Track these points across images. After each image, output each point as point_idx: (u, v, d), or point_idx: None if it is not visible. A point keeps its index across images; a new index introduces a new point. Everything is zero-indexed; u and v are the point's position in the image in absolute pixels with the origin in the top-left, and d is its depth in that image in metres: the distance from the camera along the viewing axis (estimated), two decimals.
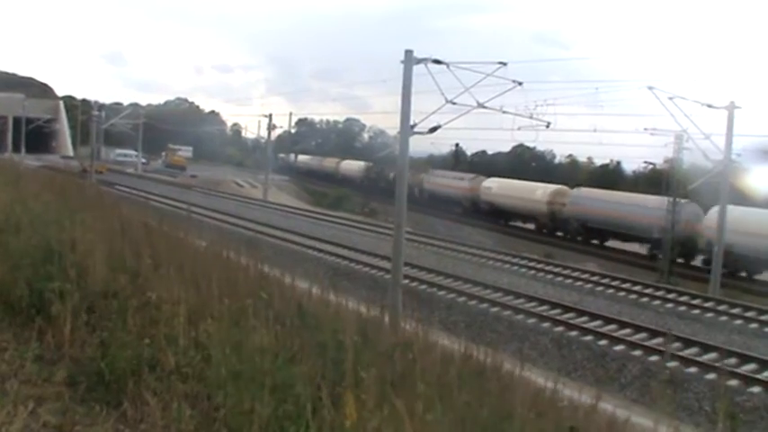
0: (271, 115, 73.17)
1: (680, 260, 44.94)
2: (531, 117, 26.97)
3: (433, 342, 7.60)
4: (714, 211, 39.42)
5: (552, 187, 59.10)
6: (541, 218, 58.65)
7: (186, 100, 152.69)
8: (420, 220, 56.89)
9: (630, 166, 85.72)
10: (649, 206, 47.18)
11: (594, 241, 53.75)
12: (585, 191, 57.26)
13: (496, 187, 65.11)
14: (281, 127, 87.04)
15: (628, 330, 22.17)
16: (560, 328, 22.37)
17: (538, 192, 59.50)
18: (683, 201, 44.77)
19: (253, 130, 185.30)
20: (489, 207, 64.86)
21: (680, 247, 44.96)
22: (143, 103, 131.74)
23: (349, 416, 4.86)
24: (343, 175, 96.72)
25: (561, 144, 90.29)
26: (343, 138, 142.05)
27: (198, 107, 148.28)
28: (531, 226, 60.22)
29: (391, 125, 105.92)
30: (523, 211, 61.46)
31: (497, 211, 63.73)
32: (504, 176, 66.88)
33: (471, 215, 64.74)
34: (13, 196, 12.90)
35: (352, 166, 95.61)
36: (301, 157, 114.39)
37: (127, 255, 9.00)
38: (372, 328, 7.72)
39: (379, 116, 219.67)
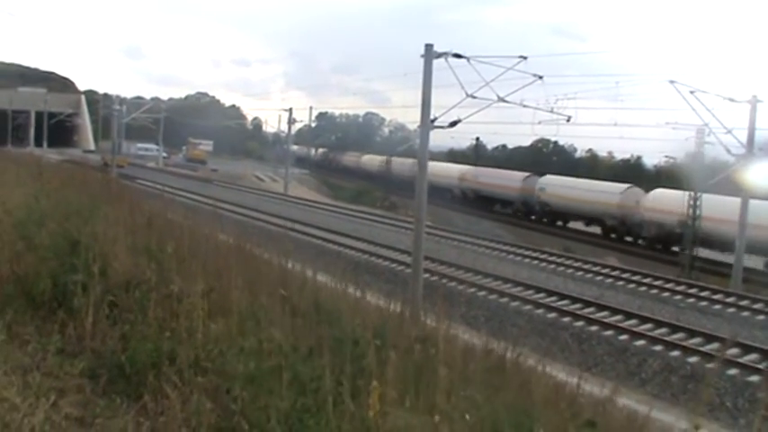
0: (291, 109, 73.16)
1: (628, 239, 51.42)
2: (551, 111, 26.90)
3: (453, 336, 7.60)
4: (651, 194, 50.04)
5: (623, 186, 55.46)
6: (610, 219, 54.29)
7: (206, 94, 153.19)
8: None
9: (651, 160, 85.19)
10: (603, 192, 53.55)
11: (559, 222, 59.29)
12: (549, 178, 61.37)
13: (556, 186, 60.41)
14: (302, 121, 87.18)
15: (649, 325, 22.03)
16: (581, 323, 22.28)
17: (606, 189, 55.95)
18: (626, 186, 53.05)
19: (273, 124, 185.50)
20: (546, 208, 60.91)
21: (624, 227, 51.55)
22: (164, 97, 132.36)
23: (372, 407, 4.86)
24: (363, 169, 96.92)
25: (582, 138, 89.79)
26: (363, 132, 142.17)
27: (218, 101, 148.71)
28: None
29: (411, 119, 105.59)
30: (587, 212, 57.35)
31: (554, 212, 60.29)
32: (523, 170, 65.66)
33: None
34: (37, 190, 12.94)
35: (374, 160, 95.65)
36: (321, 151, 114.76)
37: (149, 248, 9.03)
38: (393, 321, 7.72)
39: (399, 110, 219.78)
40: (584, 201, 55.56)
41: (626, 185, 55.16)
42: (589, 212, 56.19)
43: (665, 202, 47.71)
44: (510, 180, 65.07)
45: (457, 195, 69.23)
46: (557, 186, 59.42)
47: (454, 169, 72.79)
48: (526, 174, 64.49)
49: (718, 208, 40.84)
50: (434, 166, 75.83)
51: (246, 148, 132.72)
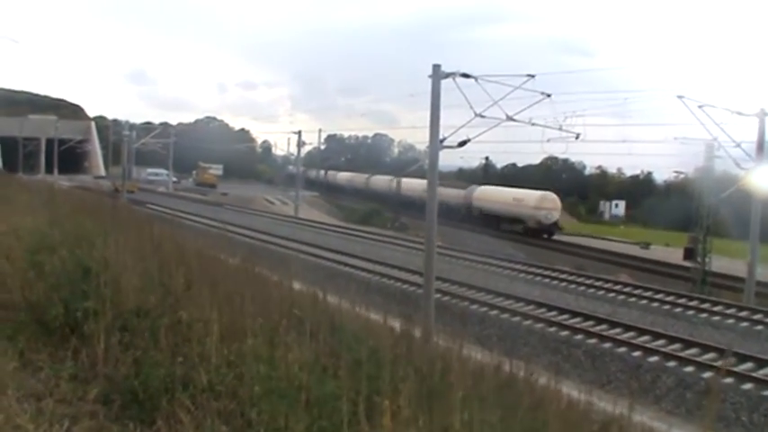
0: (300, 132, 73.35)
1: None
2: (560, 129, 26.82)
3: (466, 356, 7.58)
4: (478, 189, 73.58)
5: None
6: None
7: (215, 118, 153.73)
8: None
9: (661, 175, 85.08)
10: (523, 197, 66.22)
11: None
12: (483, 188, 74.28)
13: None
14: (311, 143, 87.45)
15: (662, 341, 21.90)
16: (594, 341, 22.15)
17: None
18: (541, 192, 65.40)
19: (282, 146, 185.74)
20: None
21: (465, 211, 69.11)
22: (172, 122, 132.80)
23: (386, 426, 4.85)
24: (373, 190, 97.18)
25: (591, 155, 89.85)
26: (373, 153, 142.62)
27: (227, 125, 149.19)
28: None
29: (420, 139, 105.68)
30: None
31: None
32: (536, 188, 68.56)
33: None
34: (49, 217, 13.01)
35: (381, 181, 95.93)
36: (331, 173, 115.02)
37: (160, 274, 9.05)
38: (406, 342, 7.71)
39: (408, 131, 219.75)
40: (508, 204, 67.46)
41: (542, 192, 66.28)
42: (513, 215, 66.80)
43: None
44: (458, 191, 75.38)
45: (419, 205, 74.75)
46: (487, 194, 72.48)
47: (422, 183, 76.00)
48: (469, 185, 77.25)
49: None
50: (409, 182, 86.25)
51: (256, 172, 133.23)
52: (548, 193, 66.71)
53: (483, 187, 75.33)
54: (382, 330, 8.18)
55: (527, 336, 22.63)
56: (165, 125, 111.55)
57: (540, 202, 64.91)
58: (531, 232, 64.49)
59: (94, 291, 7.81)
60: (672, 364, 20.02)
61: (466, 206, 72.27)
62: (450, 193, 71.51)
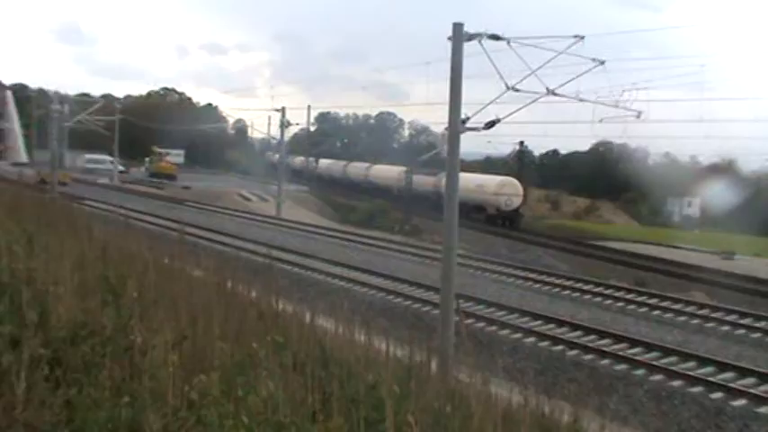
0: (283, 109, 72.98)
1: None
2: (616, 106, 26.77)
3: (493, 394, 7.59)
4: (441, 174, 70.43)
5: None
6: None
7: (174, 90, 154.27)
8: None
9: (749, 164, 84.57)
10: (483, 184, 77.81)
11: None
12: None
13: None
14: (297, 124, 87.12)
15: (750, 380, 21.79)
16: (659, 377, 22.10)
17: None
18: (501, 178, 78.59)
19: (261, 128, 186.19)
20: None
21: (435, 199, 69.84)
22: (119, 94, 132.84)
23: None
24: (373, 183, 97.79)
25: (657, 139, 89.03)
26: (377, 136, 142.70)
27: (189, 99, 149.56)
28: None
29: (437, 120, 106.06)
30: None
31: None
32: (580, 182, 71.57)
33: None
34: None
35: (390, 172, 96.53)
36: (324, 163, 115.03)
37: (103, 289, 9.05)
38: (417, 377, 7.73)
39: (421, 108, 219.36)
40: (471, 191, 72.16)
41: (503, 177, 79.83)
42: (477, 202, 75.96)
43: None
44: (427, 178, 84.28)
45: (396, 195, 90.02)
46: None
47: (395, 171, 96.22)
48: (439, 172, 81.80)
49: None
50: (378, 169, 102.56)
51: (228, 160, 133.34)
52: (508, 178, 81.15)
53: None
54: (386, 362, 8.20)
55: (572, 369, 22.68)
56: (107, 98, 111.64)
57: (499, 188, 78.07)
58: (492, 220, 75.24)
59: (13, 312, 7.79)
60: (765, 409, 19.97)
61: (435, 193, 77.49)
62: (420, 180, 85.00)
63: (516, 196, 78.93)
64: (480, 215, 76.12)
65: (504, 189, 78.32)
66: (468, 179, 75.38)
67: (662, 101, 40.12)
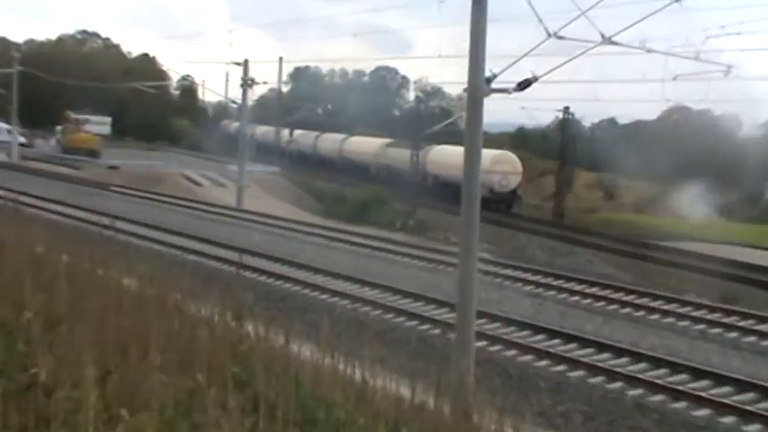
0: (246, 62, 72.71)
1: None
2: (696, 58, 26.68)
3: None
4: (433, 149, 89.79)
5: None
6: None
7: (96, 35, 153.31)
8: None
9: None
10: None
11: None
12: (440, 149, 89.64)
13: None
14: (266, 82, 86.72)
15: None
16: (756, 427, 22.11)
17: None
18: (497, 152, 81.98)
19: (216, 87, 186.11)
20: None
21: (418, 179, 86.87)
22: (17, 39, 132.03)
23: None
24: (349, 159, 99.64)
25: (753, 103, 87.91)
26: (372, 100, 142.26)
27: (116, 47, 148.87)
28: None
29: (452, 78, 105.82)
30: None
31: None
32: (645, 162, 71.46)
33: None
34: None
35: (368, 146, 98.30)
36: (301, 135, 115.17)
37: None
38: (423, 421, 7.74)
39: (431, 63, 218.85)
40: (459, 168, 71.42)
41: (497, 151, 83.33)
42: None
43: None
44: (405, 153, 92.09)
45: (374, 174, 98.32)
46: (444, 156, 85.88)
47: (373, 144, 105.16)
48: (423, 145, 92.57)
49: None
50: (354, 143, 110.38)
51: (170, 130, 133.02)
52: (504, 152, 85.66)
53: (439, 147, 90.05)
54: (384, 401, 8.22)
55: (635, 415, 22.65)
56: (2, 43, 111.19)
57: (492, 165, 78.58)
58: (485, 204, 70.74)
59: None
60: None
61: (418, 173, 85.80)
62: (399, 156, 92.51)
63: (513, 174, 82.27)
64: None
65: (499, 166, 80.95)
66: (456, 154, 79.63)
67: (760, 50, 39.95)
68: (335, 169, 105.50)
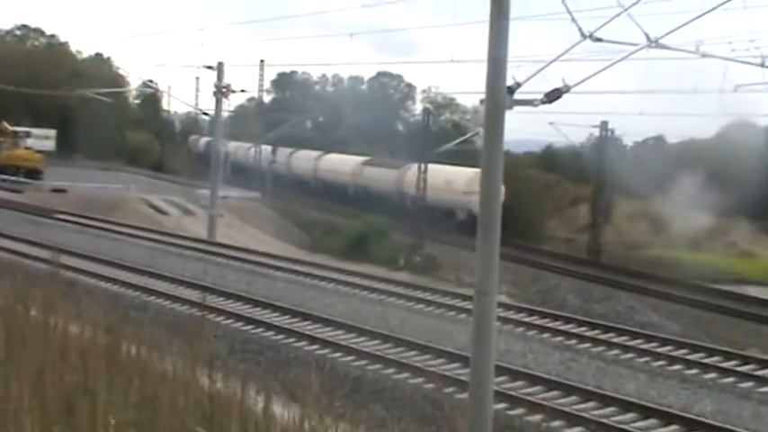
0: (221, 65, 72.74)
1: None
2: (762, 65, 26.73)
3: None
4: (407, 170, 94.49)
5: None
6: None
7: (39, 30, 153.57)
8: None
9: None
10: (453, 181, 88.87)
11: None
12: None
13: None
14: (244, 91, 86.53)
15: None
16: None
17: None
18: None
19: (184, 95, 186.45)
20: None
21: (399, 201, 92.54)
22: None
23: None
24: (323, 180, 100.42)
25: None
26: (372, 110, 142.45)
27: (65, 45, 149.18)
28: None
29: (467, 87, 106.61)
30: None
31: None
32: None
33: None
34: None
35: (344, 165, 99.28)
36: (284, 153, 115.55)
37: None
38: None
39: (441, 69, 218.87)
40: (439, 190, 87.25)
41: (475, 171, 75.17)
42: (446, 205, 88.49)
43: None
44: (389, 172, 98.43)
45: (351, 196, 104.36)
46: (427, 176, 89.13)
47: (349, 163, 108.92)
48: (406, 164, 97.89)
49: None
50: (328, 161, 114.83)
51: (129, 146, 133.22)
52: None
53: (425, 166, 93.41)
54: None
55: None
56: None
57: (470, 185, 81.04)
58: (463, 228, 76.84)
59: None
60: None
61: (399, 194, 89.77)
62: (379, 176, 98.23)
63: None
64: (452, 222, 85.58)
65: (477, 186, 77.56)
66: (441, 175, 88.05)
67: None
68: (310, 192, 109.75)
